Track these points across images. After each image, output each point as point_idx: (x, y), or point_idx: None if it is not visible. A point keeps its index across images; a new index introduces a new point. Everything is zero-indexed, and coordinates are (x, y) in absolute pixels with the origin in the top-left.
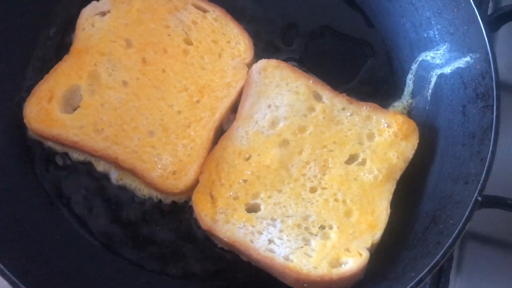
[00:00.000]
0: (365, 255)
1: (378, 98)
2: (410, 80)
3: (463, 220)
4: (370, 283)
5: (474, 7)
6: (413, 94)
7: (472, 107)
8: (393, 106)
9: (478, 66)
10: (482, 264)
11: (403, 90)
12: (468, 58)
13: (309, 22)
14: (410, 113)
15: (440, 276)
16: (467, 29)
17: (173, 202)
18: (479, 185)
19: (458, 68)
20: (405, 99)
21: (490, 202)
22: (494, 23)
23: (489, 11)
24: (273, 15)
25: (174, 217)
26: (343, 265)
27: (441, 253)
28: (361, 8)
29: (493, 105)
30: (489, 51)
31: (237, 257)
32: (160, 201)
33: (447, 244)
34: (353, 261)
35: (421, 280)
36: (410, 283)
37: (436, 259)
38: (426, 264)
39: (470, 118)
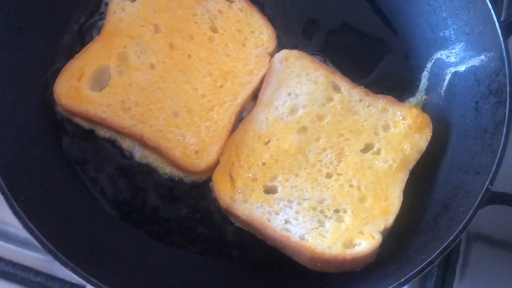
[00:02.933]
0: (378, 238)
1: (394, 94)
2: (425, 77)
3: (474, 207)
4: (381, 265)
5: (490, 8)
6: (428, 91)
7: (485, 103)
8: (408, 101)
9: (492, 64)
10: (487, 262)
11: (417, 87)
12: (482, 57)
13: (329, 18)
14: (424, 108)
15: (447, 268)
16: (482, 29)
17: (193, 181)
18: (491, 174)
19: (472, 66)
20: (420, 95)
21: (498, 198)
22: (507, 29)
23: (502, 17)
24: (295, 10)
25: (194, 195)
26: (356, 246)
27: (452, 236)
28: (380, 7)
29: (506, 101)
30: (504, 50)
31: (253, 237)
32: (181, 179)
33: (459, 228)
34: (366, 243)
35: (431, 262)
36: (421, 264)
37: (447, 242)
38: (436, 247)
39: (483, 113)
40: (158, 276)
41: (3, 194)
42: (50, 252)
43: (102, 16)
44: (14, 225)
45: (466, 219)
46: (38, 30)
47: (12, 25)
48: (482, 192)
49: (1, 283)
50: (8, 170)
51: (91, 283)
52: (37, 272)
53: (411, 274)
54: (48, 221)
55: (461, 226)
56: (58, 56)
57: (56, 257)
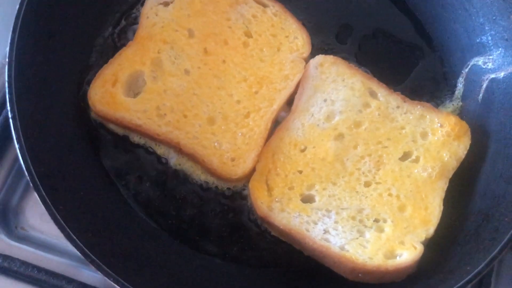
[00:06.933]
0: (420, 248)
1: (429, 100)
2: (460, 83)
3: None
4: (424, 276)
5: None
6: (464, 97)
7: None
8: (444, 108)
9: None
10: None
11: (453, 93)
12: None
13: (363, 24)
14: (461, 114)
15: (482, 278)
16: None
17: (228, 189)
18: None
19: (511, 73)
20: (456, 102)
21: None
22: None
23: None
24: (329, 15)
25: (229, 203)
26: (398, 257)
27: (499, 247)
28: (414, 13)
29: None
30: None
31: (289, 246)
32: (216, 187)
33: (506, 239)
34: (408, 254)
35: (479, 273)
36: (468, 276)
37: (494, 253)
38: (482, 258)
39: None
40: (195, 286)
41: (44, 203)
42: (92, 262)
43: (136, 20)
44: (44, 231)
45: None
46: (72, 36)
47: (48, 31)
48: None
49: None
50: (47, 179)
51: None
52: (69, 280)
53: (458, 285)
54: (87, 231)
55: (508, 236)
56: (92, 62)
57: (98, 268)
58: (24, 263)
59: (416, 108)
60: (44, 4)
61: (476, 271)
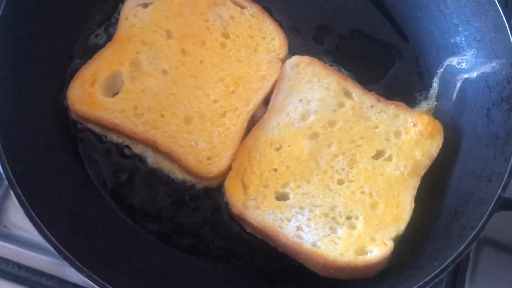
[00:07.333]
0: (390, 245)
1: (404, 100)
2: (435, 83)
3: (486, 214)
4: (393, 273)
5: (502, 15)
6: (438, 97)
7: (497, 110)
8: (419, 107)
9: (503, 71)
10: (497, 268)
11: (428, 92)
12: (494, 64)
13: (340, 25)
14: (435, 114)
15: (457, 274)
16: (494, 36)
17: (205, 187)
18: (503, 182)
19: (483, 73)
20: (431, 101)
21: (510, 205)
22: None
23: None
24: (306, 16)
25: (206, 201)
26: (368, 253)
27: (465, 244)
28: (391, 14)
29: None
30: None
31: (264, 243)
32: (193, 185)
33: (471, 235)
34: (378, 250)
35: (445, 269)
36: (434, 271)
37: (460, 249)
38: (449, 255)
39: (495, 120)
40: (171, 282)
41: (19, 201)
42: (65, 258)
43: (115, 21)
44: (27, 230)
45: (478, 227)
46: (52, 36)
47: (27, 33)
48: (495, 199)
49: (15, 287)
50: (24, 177)
51: None
52: (50, 277)
53: (423, 281)
54: (62, 227)
55: (473, 233)
56: (71, 62)
57: (71, 264)
58: (5, 261)
59: (390, 108)
60: (23, 6)
61: (441, 267)
